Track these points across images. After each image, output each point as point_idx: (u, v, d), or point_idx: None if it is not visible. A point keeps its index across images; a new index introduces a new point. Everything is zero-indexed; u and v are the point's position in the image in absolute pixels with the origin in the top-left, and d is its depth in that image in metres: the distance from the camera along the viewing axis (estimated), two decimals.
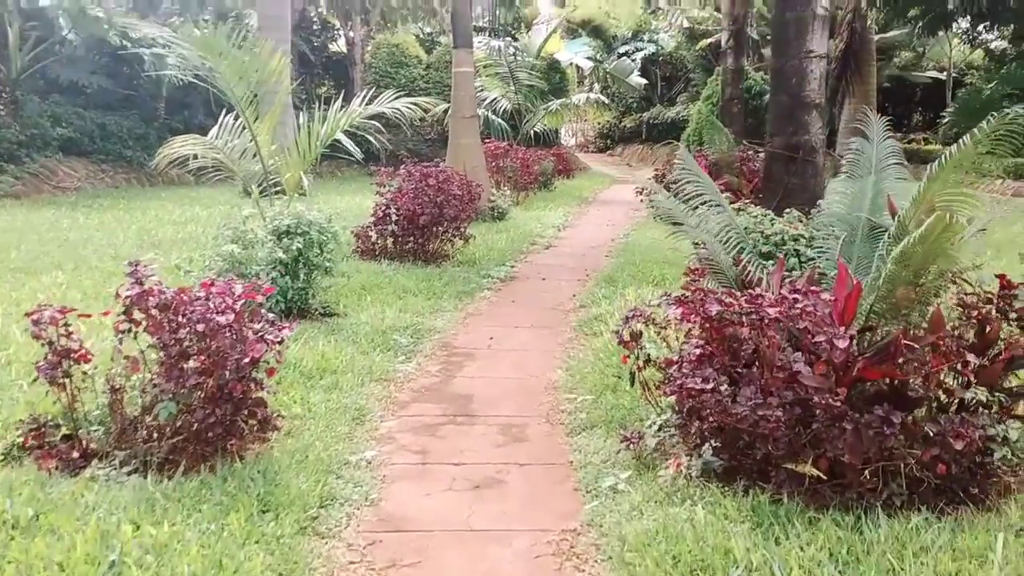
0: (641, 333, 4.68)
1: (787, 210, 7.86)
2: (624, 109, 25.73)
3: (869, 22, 23.26)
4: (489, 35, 24.93)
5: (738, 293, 4.04)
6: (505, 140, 18.54)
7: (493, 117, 19.61)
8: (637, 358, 4.66)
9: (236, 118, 7.55)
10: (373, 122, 7.94)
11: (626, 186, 22.14)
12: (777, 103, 8.31)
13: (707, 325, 4.06)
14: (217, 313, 4.17)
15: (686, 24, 27.93)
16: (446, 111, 17.54)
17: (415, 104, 7.70)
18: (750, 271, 4.78)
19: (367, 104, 7.51)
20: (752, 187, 12.28)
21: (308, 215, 7.21)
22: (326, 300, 7.68)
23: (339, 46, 27.03)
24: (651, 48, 30.73)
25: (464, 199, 10.11)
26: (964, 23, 17.36)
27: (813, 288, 3.99)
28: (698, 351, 4.09)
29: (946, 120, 22.75)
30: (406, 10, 27.25)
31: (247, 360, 4.13)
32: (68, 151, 18.17)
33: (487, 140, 16.16)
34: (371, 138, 8.80)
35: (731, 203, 12.23)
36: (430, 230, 9.80)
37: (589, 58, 28.92)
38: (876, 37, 24.15)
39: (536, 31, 25.01)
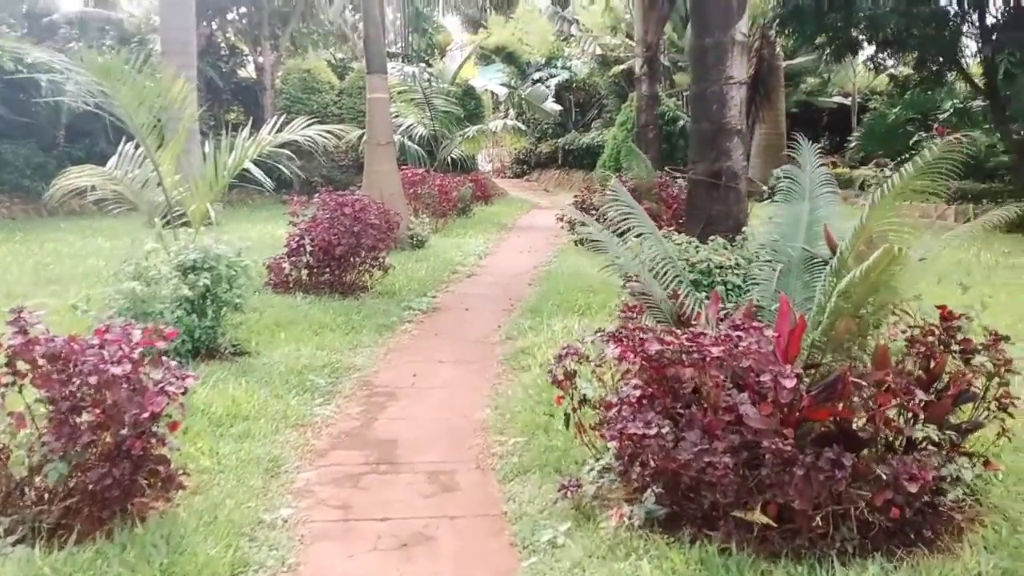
0: (575, 372, 4.45)
1: (712, 237, 7.79)
2: (540, 135, 25.75)
3: (777, 48, 23.96)
4: (403, 61, 24.65)
5: (678, 331, 3.84)
6: (422, 166, 18.27)
7: (409, 143, 19.31)
8: (572, 398, 4.42)
9: (137, 147, 7.09)
10: (284, 150, 7.59)
11: (544, 212, 22.11)
12: (698, 130, 8.25)
13: (646, 365, 3.85)
14: (112, 363, 3.78)
15: (599, 51, 28.21)
16: (361, 137, 17.18)
17: (328, 132, 7.36)
18: (687, 305, 4.59)
19: (277, 132, 7.14)
20: (672, 213, 12.27)
21: (216, 248, 6.79)
22: (237, 338, 7.25)
23: (248, 72, 26.36)
24: (564, 75, 30.94)
25: (382, 228, 9.77)
26: (869, 50, 17.89)
27: (755, 324, 3.83)
28: (638, 392, 3.88)
29: (853, 144, 23.45)
30: (317, 35, 26.83)
31: (146, 415, 3.73)
32: None
33: (403, 167, 15.87)
34: (283, 166, 8.40)
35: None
36: (347, 261, 9.43)
37: (503, 84, 28.94)
38: (783, 64, 24.88)
39: (450, 57, 24.89)
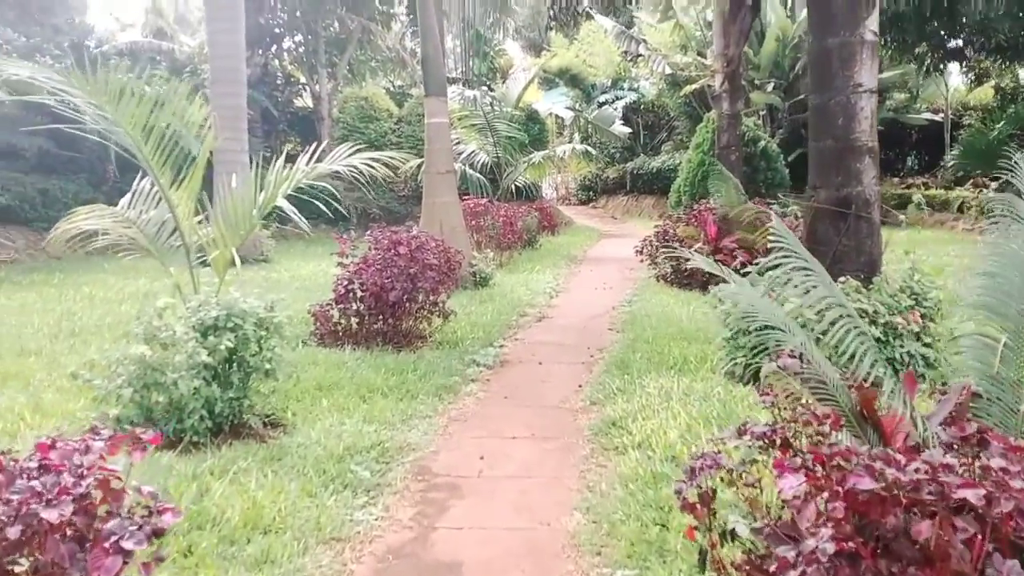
0: (715, 492, 3.10)
1: (841, 279, 6.38)
2: (607, 160, 24.42)
3: None
4: (463, 85, 23.66)
5: (898, 457, 2.47)
6: (484, 196, 17.10)
7: (470, 171, 18.18)
8: (709, 529, 3.08)
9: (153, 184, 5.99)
10: (340, 181, 6.45)
11: (615, 241, 20.75)
12: (820, 149, 6.85)
13: (847, 506, 2.48)
14: (47, 502, 2.57)
15: (668, 71, 26.82)
16: (419, 166, 16.10)
17: (376, 160, 6.16)
18: (885, 394, 3.19)
19: (316, 161, 5.96)
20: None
21: (242, 303, 5.62)
22: (269, 408, 6.07)
23: (305, 101, 25.69)
24: (632, 96, 29.62)
25: (442, 268, 8.56)
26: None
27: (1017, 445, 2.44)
28: (832, 547, 2.51)
29: (950, 162, 21.64)
30: (375, 62, 26.05)
31: None
32: (5, 219, 16.62)
33: (465, 196, 14.72)
34: (324, 197, 7.25)
35: (746, 264, 10.75)
36: (402, 307, 8.22)
37: (568, 108, 27.75)
38: None
39: (512, 81, 23.77)
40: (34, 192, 17.19)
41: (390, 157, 6.37)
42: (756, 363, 6.52)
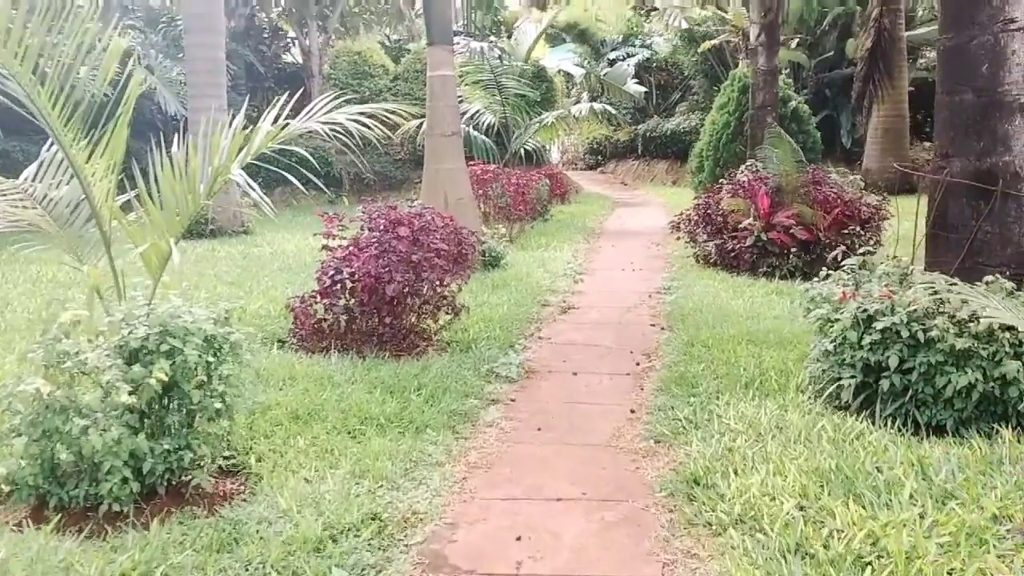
0: None
1: (988, 278, 4.80)
2: (616, 122, 22.67)
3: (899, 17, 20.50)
4: (468, 37, 21.82)
5: None
6: (491, 161, 15.42)
7: (475, 134, 16.44)
8: None
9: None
10: (329, 142, 4.83)
11: (631, 210, 19.13)
12: (954, 104, 5.22)
13: None
14: None
15: (684, 25, 24.99)
16: (419, 127, 14.41)
17: (364, 117, 4.52)
18: None
19: (283, 126, 4.31)
20: (833, 221, 9.19)
21: (183, 317, 4.02)
22: (227, 451, 4.51)
23: (294, 56, 23.82)
24: (644, 53, 27.70)
25: (451, 253, 6.96)
26: None
27: None
28: None
29: None
30: (369, 14, 24.19)
31: None
32: None
33: (470, 162, 13.03)
34: (311, 162, 5.63)
35: (812, 245, 9.13)
36: (402, 303, 6.62)
37: (578, 64, 25.91)
38: (905, 34, 21.40)
39: (519, 34, 21.90)
40: None
41: (385, 111, 4.72)
42: (873, 386, 4.97)
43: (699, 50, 24.20)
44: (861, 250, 6.01)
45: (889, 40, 20.27)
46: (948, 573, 3.22)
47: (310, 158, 8.21)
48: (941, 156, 5.25)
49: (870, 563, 3.33)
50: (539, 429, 5.23)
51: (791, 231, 9.20)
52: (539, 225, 14.84)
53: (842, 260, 5.75)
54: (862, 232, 9.20)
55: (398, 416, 5.16)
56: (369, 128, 4.45)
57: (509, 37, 24.18)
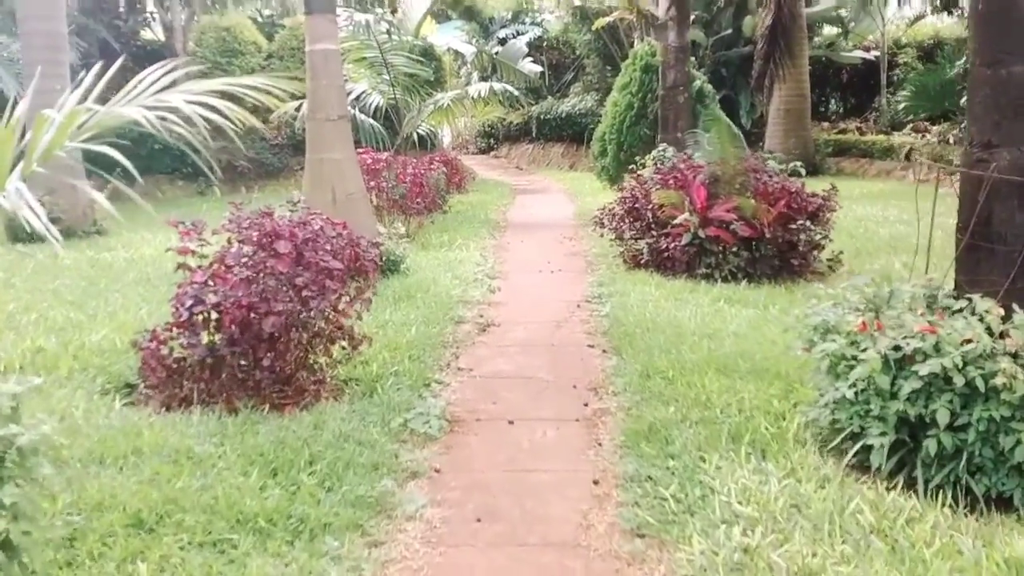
0: None
1: None
2: (516, 103, 21.39)
3: None
4: (349, 9, 20.05)
5: None
6: (382, 147, 13.86)
7: (363, 117, 14.81)
8: None
9: None
10: (193, 125, 3.32)
11: (532, 198, 17.93)
12: (999, 79, 4.11)
13: None
14: None
15: (576, 2, 23.89)
16: (299, 108, 12.71)
17: (223, 99, 3.04)
18: None
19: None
20: (778, 216, 8.14)
21: None
22: None
23: (155, 32, 21.49)
24: (535, 31, 26.49)
25: (346, 270, 5.49)
26: None
27: None
28: None
29: (902, 104, 19.61)
30: None
31: None
32: None
33: (359, 149, 11.46)
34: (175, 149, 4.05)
35: (756, 242, 8.06)
36: (286, 339, 5.13)
37: (467, 42, 24.45)
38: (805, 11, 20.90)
39: (406, 7, 20.27)
40: None
41: (248, 88, 3.24)
42: (909, 443, 3.84)
43: (592, 28, 23.11)
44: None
45: (790, 17, 19.66)
46: None
47: (174, 144, 6.58)
48: (982, 146, 4.13)
49: None
50: (479, 520, 3.87)
51: (731, 227, 8.11)
52: (439, 219, 13.39)
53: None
54: (811, 227, 8.19)
55: (284, 513, 3.71)
56: (224, 116, 2.97)
57: (394, 13, 22.48)
